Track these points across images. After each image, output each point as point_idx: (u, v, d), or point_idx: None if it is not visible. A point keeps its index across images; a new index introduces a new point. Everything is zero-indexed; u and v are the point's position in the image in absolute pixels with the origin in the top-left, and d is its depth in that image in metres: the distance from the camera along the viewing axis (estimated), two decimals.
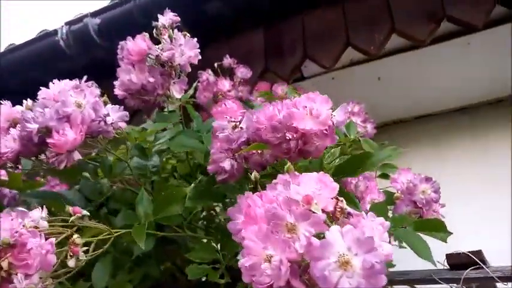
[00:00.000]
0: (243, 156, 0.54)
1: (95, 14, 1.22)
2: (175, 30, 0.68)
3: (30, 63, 1.29)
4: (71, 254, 0.45)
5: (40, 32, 1.31)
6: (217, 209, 0.87)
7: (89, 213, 0.47)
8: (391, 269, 0.59)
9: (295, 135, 0.47)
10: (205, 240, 0.71)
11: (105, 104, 0.56)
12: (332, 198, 0.39)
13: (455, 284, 0.57)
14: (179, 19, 0.66)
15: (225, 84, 1.02)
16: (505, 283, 0.55)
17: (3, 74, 1.34)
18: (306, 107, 0.47)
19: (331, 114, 0.47)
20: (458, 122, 1.23)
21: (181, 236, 0.67)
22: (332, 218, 0.38)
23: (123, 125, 0.56)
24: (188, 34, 0.68)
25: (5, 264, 0.41)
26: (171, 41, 0.63)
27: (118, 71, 0.65)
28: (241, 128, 0.55)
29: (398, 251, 0.55)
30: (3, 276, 0.40)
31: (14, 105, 0.60)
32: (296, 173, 0.43)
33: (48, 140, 0.49)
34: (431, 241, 0.54)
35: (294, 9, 1.16)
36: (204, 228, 0.77)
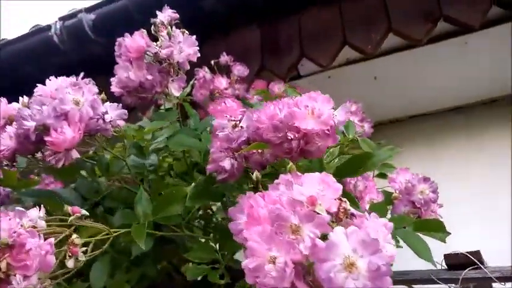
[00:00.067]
0: (243, 155, 0.54)
1: (89, 10, 1.20)
2: (173, 28, 0.67)
3: (22, 59, 1.27)
4: (70, 255, 0.45)
5: (33, 27, 1.29)
6: (214, 208, 0.87)
7: (88, 213, 0.46)
8: None
9: (296, 135, 0.46)
10: (203, 240, 0.70)
11: (103, 101, 0.55)
12: (335, 199, 0.39)
13: (453, 284, 0.57)
14: (178, 16, 0.65)
15: (221, 82, 1.01)
16: (503, 283, 0.55)
17: None
18: (307, 106, 0.47)
19: (333, 114, 0.47)
20: (454, 122, 1.24)
21: (179, 236, 0.67)
22: (335, 219, 0.38)
23: (121, 123, 0.55)
24: (187, 31, 0.68)
25: (3, 265, 0.40)
26: (170, 38, 0.62)
27: (115, 68, 0.65)
28: (241, 127, 0.55)
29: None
30: (1, 278, 0.40)
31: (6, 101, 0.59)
32: (298, 173, 0.42)
33: (46, 138, 0.48)
34: (427, 241, 0.55)
35: (290, 8, 1.16)
36: (201, 227, 0.76)
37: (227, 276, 0.56)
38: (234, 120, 0.55)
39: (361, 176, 0.67)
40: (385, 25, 1.04)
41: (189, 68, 0.65)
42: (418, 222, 0.55)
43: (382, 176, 0.74)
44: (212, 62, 1.02)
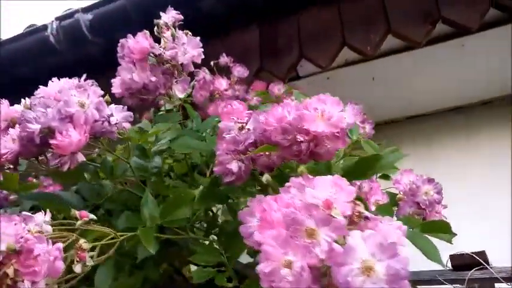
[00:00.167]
0: (250, 157, 0.53)
1: (86, 10, 1.19)
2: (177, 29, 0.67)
3: (18, 59, 1.26)
4: (78, 260, 0.44)
5: (28, 27, 1.27)
6: (214, 209, 0.86)
7: (95, 217, 0.45)
8: None
9: (306, 138, 0.46)
10: (207, 242, 0.70)
11: (108, 103, 0.54)
12: (349, 202, 0.39)
13: (459, 285, 0.57)
14: (182, 17, 0.65)
15: (222, 83, 1.01)
16: (509, 283, 0.56)
17: None
18: (317, 108, 0.47)
19: (343, 117, 0.46)
20: (452, 122, 1.25)
21: (183, 238, 0.66)
22: (350, 222, 0.38)
23: (127, 125, 0.54)
24: (190, 32, 0.67)
25: (10, 272, 0.39)
26: (174, 39, 0.62)
27: (119, 70, 0.64)
28: (247, 129, 0.54)
29: None
30: (8, 284, 0.39)
31: None
32: (309, 176, 0.42)
33: (52, 141, 0.47)
34: None
35: (289, 8, 1.16)
36: (204, 230, 0.76)
37: (235, 279, 0.56)
38: (241, 122, 0.55)
39: None
40: (384, 26, 1.04)
41: (193, 69, 0.64)
42: (425, 224, 0.55)
43: (385, 177, 0.75)
44: (212, 63, 1.02)
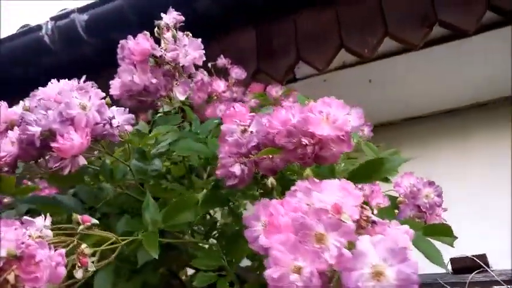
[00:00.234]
0: (253, 160, 0.53)
1: (82, 10, 1.18)
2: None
3: (11, 59, 1.24)
4: (79, 265, 0.43)
5: (22, 27, 1.25)
6: (211, 212, 0.85)
7: (98, 222, 0.44)
8: None
9: (311, 141, 0.46)
10: (206, 246, 0.69)
11: (108, 105, 0.54)
12: (356, 207, 0.38)
13: None
14: (183, 18, 0.64)
15: (220, 85, 1.01)
16: (509, 286, 0.56)
17: None
18: (322, 111, 0.46)
19: (348, 120, 0.46)
20: (449, 124, 1.26)
21: (183, 242, 0.65)
22: (357, 227, 0.38)
23: (129, 128, 0.53)
24: (190, 34, 0.67)
25: (11, 278, 0.38)
26: (175, 41, 0.61)
27: (118, 71, 0.63)
28: (250, 132, 0.54)
29: None
30: None
31: None
32: (316, 179, 0.42)
33: (53, 144, 0.46)
34: None
35: (287, 10, 1.16)
36: (203, 233, 0.75)
37: (237, 284, 0.55)
38: (243, 125, 0.54)
39: None
40: (381, 29, 1.05)
41: (194, 71, 0.64)
42: (427, 227, 0.55)
43: (385, 180, 0.75)
44: (209, 64, 1.01)
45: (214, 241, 0.73)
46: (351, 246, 0.35)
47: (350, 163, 0.63)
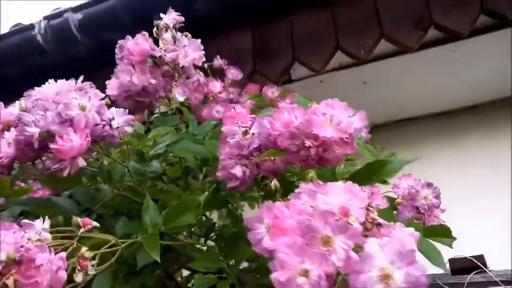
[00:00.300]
0: (255, 162, 0.53)
1: (76, 9, 1.16)
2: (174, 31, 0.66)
3: (3, 58, 1.22)
4: (79, 269, 0.42)
5: (14, 26, 1.23)
6: (207, 213, 0.85)
7: (98, 225, 0.44)
8: None
9: (315, 143, 0.46)
10: (204, 248, 0.69)
11: (108, 106, 0.53)
12: (362, 209, 0.38)
13: None
14: (183, 19, 0.63)
15: (216, 85, 1.00)
16: (508, 286, 0.57)
17: None
18: (325, 113, 0.46)
19: (351, 122, 0.46)
20: (442, 126, 1.28)
21: (181, 244, 0.65)
22: (363, 229, 0.37)
23: (129, 129, 0.53)
24: (189, 35, 0.66)
25: (10, 282, 0.37)
26: (175, 41, 0.61)
27: (117, 72, 0.62)
28: (252, 133, 0.53)
29: None
30: None
31: None
32: (320, 182, 0.42)
33: (52, 146, 0.45)
34: None
35: (283, 11, 1.16)
36: (200, 235, 0.75)
37: (238, 286, 0.55)
38: (245, 127, 0.54)
39: None
40: (377, 31, 1.06)
41: (194, 72, 0.63)
42: (427, 229, 0.56)
43: (382, 181, 0.75)
44: (206, 65, 1.01)
45: (212, 243, 0.73)
46: (357, 248, 0.35)
47: (349, 165, 0.63)
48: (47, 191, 0.82)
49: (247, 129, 0.54)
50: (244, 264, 0.71)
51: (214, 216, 0.86)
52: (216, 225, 0.80)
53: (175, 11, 1.07)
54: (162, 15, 0.63)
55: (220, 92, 1.01)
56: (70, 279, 0.44)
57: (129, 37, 0.62)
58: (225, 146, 0.55)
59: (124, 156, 0.63)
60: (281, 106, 0.53)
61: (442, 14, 1.00)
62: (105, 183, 0.61)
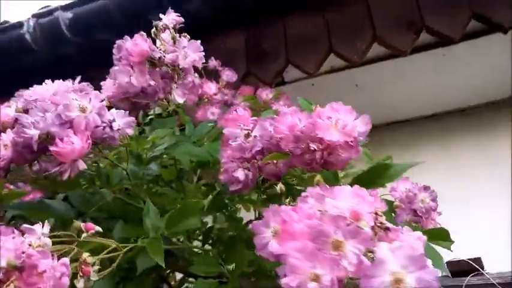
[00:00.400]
0: (257, 165, 0.52)
1: (66, 8, 1.14)
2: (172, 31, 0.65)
3: None
4: (81, 275, 0.41)
5: (1, 24, 1.20)
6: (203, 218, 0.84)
7: (101, 229, 0.43)
8: None
9: (320, 146, 0.46)
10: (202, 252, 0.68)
11: (108, 108, 0.52)
12: (370, 213, 0.38)
13: None
14: (182, 20, 0.63)
15: (211, 87, 0.99)
16: None
17: None
18: (330, 117, 0.46)
19: (356, 126, 0.46)
20: (433, 128, 1.30)
21: (180, 248, 0.64)
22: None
23: (130, 131, 0.52)
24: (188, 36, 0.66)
25: None
26: (175, 42, 0.60)
27: (115, 73, 0.61)
28: (254, 136, 0.53)
29: None
30: None
31: None
32: (327, 185, 0.42)
33: (52, 148, 0.44)
34: None
35: (276, 14, 1.16)
36: (198, 239, 0.74)
37: None
38: (247, 129, 0.53)
39: None
40: (370, 35, 1.06)
41: (194, 73, 0.63)
42: (426, 232, 0.56)
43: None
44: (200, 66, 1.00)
45: (209, 247, 0.72)
46: (367, 253, 0.35)
47: (349, 168, 0.63)
48: (38, 194, 0.80)
49: (250, 131, 0.53)
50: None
51: (208, 219, 0.85)
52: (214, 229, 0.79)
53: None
54: (161, 15, 0.62)
55: (215, 94, 1.00)
56: (71, 285, 0.43)
57: (127, 37, 0.61)
58: (227, 148, 0.54)
59: (122, 159, 0.62)
60: (283, 109, 0.52)
61: (434, 18, 1.02)
62: (104, 186, 0.60)
